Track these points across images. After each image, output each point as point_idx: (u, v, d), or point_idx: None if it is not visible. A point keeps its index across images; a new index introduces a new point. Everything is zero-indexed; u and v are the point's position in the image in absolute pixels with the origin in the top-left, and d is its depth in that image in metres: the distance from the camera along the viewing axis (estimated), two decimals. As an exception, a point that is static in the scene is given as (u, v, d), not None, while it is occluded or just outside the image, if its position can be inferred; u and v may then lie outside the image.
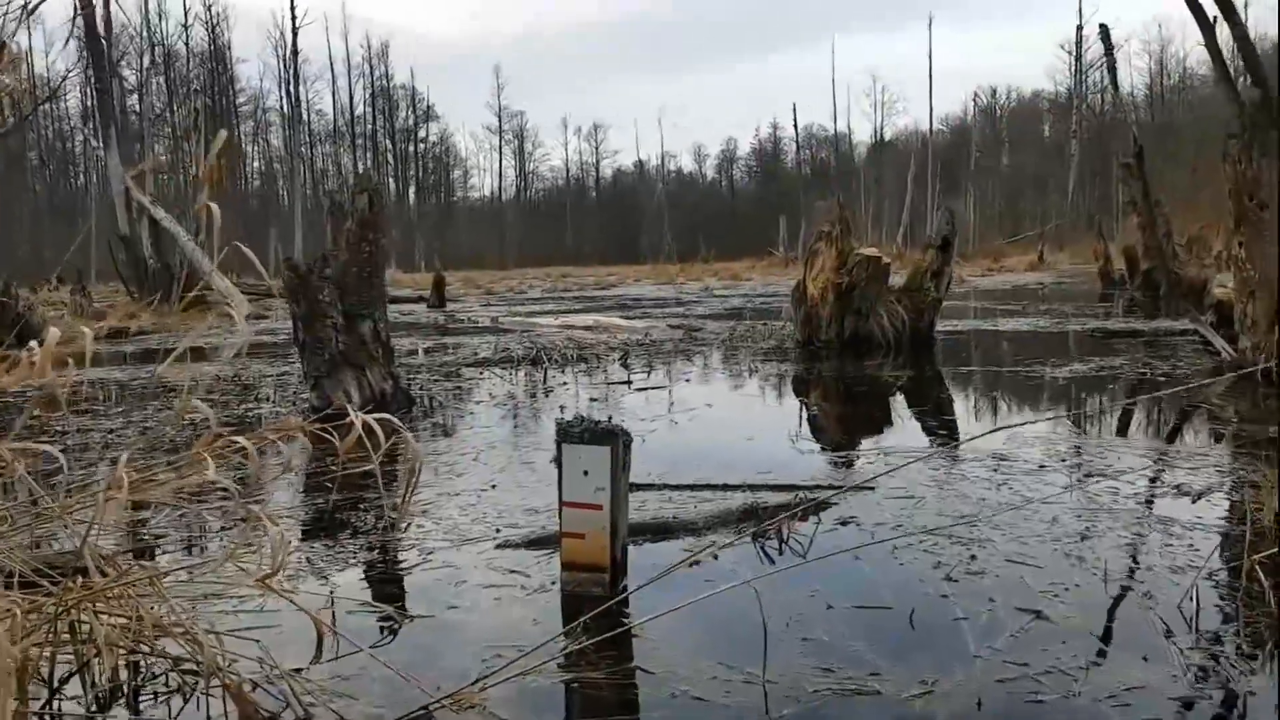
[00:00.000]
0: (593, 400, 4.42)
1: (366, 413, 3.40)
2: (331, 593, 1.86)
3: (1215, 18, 5.40)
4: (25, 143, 52.19)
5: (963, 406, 4.31)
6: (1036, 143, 55.53)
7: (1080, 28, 44.51)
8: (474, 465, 3.03)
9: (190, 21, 53.21)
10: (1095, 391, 4.49)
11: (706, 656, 1.51)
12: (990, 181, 51.15)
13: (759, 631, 1.51)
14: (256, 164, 68.54)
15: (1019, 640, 1.54)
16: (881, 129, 69.29)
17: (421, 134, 72.68)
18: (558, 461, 1.81)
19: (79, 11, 15.01)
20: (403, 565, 2.05)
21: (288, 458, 2.75)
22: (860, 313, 6.40)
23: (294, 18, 46.09)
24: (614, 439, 1.78)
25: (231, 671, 1.33)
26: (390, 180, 72.95)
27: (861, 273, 6.35)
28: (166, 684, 1.41)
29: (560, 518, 1.82)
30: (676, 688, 1.41)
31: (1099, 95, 47.13)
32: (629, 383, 4.98)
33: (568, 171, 78.88)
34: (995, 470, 2.77)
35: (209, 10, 57.61)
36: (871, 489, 2.56)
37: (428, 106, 71.43)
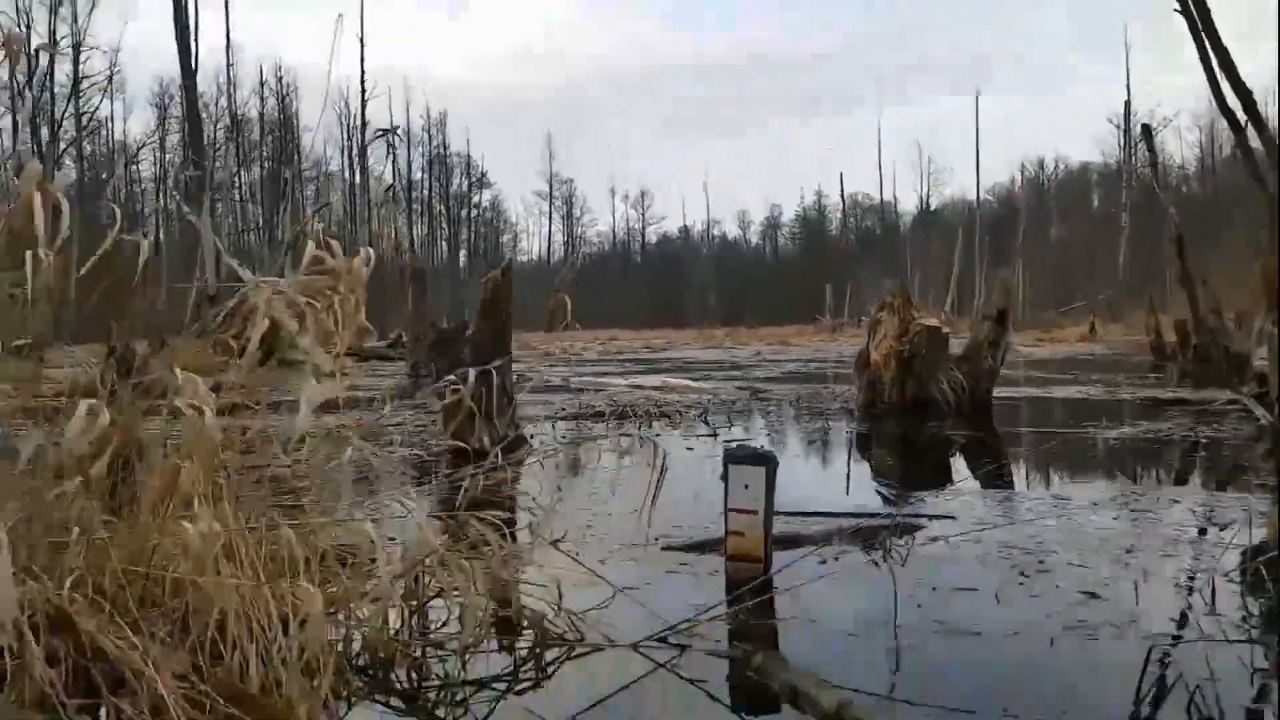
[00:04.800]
0: (689, 449, 5.02)
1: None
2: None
3: (1245, 122, 6.01)
4: (106, 206, 55.45)
5: (1023, 461, 4.83)
6: (1086, 214, 55.59)
7: (1128, 102, 45.09)
8: (612, 497, 3.64)
9: (265, 94, 56.41)
10: (1145, 451, 4.98)
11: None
12: (1040, 253, 51.18)
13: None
14: (319, 227, 70.97)
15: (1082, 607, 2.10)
16: (927, 198, 69.85)
17: (475, 199, 74.96)
18: (724, 478, 2.42)
19: (181, 94, 16.66)
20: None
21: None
22: (921, 378, 6.94)
23: (363, 92, 48.54)
24: (768, 461, 2.40)
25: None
26: (443, 244, 75.09)
27: (923, 341, 6.91)
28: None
29: (725, 520, 2.43)
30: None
31: (1147, 170, 47.30)
32: (715, 434, 5.58)
33: (614, 237, 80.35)
34: (1055, 506, 3.31)
35: (281, 82, 61.00)
36: (953, 518, 3.13)
37: (481, 174, 73.86)
